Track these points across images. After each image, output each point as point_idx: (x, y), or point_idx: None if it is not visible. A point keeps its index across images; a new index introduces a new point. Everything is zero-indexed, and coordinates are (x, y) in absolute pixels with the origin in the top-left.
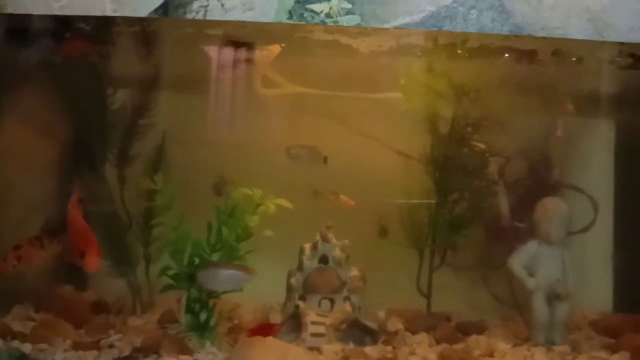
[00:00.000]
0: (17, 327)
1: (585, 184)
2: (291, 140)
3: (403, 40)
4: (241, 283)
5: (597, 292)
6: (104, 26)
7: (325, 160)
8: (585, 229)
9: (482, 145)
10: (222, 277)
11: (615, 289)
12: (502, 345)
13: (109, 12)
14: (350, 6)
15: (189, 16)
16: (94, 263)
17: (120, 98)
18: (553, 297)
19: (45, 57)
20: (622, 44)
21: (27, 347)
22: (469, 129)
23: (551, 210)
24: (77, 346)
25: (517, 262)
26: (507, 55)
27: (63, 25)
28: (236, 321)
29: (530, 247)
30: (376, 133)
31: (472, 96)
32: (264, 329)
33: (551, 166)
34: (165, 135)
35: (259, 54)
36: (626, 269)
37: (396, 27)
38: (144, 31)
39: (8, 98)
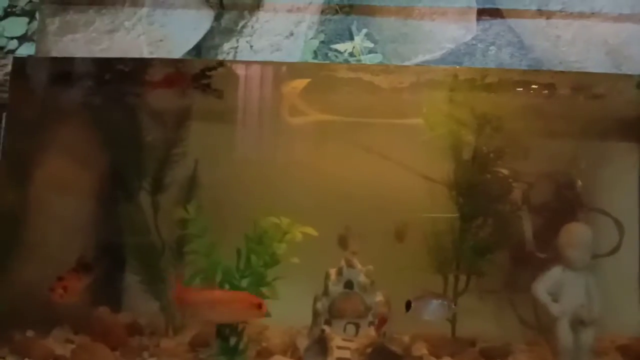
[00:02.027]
0: (58, 349)
1: (611, 208)
2: (322, 167)
3: (424, 77)
4: (448, 312)
5: (625, 316)
6: (142, 67)
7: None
8: (611, 252)
9: (505, 171)
10: (433, 307)
11: None
12: None
13: (145, 54)
14: (372, 45)
15: (220, 57)
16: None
17: (155, 130)
18: (578, 323)
19: (85, 96)
20: None
21: None
22: (492, 155)
23: (575, 235)
24: None
25: (542, 288)
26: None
27: (103, 67)
28: (264, 344)
29: (555, 273)
30: (401, 159)
31: (494, 124)
32: None
33: (576, 190)
34: (197, 164)
35: (286, 88)
36: None
37: (417, 64)
38: (179, 71)
39: (52, 134)
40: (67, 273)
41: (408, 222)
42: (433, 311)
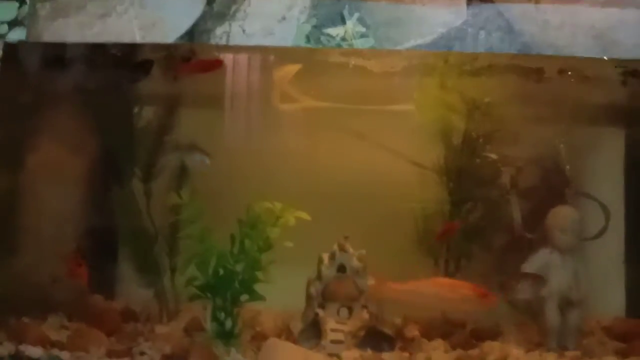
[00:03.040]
0: (53, 335)
1: (597, 192)
2: (314, 153)
3: (415, 61)
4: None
5: (611, 297)
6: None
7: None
8: (597, 236)
9: (494, 156)
10: None
11: (628, 294)
12: (516, 351)
13: (138, 39)
14: (364, 29)
15: (213, 41)
16: None
17: (147, 116)
18: (565, 304)
19: (78, 81)
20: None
21: (65, 355)
22: (481, 140)
23: (562, 218)
24: (111, 354)
25: (530, 269)
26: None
27: (95, 52)
28: (258, 328)
29: (542, 255)
30: (392, 145)
31: (483, 110)
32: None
33: (564, 174)
34: None
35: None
36: (638, 275)
37: (408, 49)
38: (170, 56)
39: (44, 119)
40: (73, 257)
41: (384, 204)
42: None
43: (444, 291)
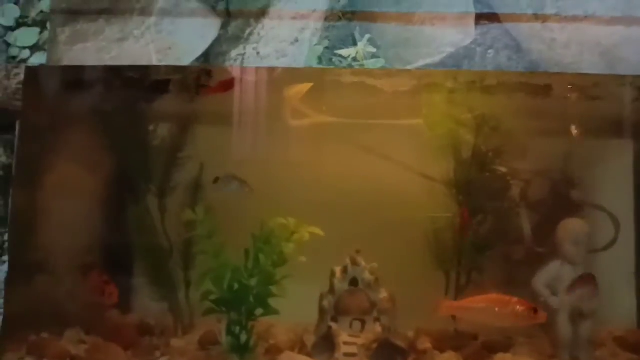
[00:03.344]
0: (72, 350)
1: (607, 204)
2: (324, 167)
3: (425, 80)
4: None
5: (622, 309)
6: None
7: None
8: (607, 247)
9: (503, 169)
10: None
11: (639, 305)
12: None
13: (154, 62)
14: (375, 50)
15: (228, 64)
16: None
17: (161, 134)
18: (576, 315)
19: (95, 102)
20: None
21: None
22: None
23: (572, 231)
24: None
25: (540, 282)
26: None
27: (112, 75)
28: (272, 342)
29: (553, 267)
30: (403, 159)
31: (492, 124)
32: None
33: (573, 187)
34: (203, 167)
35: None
36: None
37: (418, 68)
38: (185, 78)
39: (64, 140)
40: (99, 275)
41: (395, 218)
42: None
43: (497, 307)
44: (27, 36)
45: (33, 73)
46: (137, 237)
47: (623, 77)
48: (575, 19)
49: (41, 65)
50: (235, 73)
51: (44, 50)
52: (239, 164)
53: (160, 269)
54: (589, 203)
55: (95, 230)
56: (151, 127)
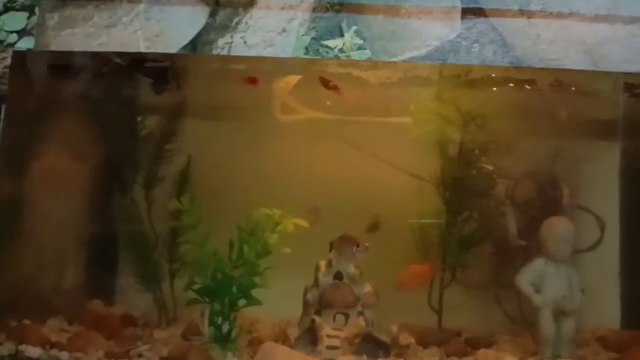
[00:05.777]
0: (53, 337)
1: (592, 205)
2: (312, 162)
3: (410, 73)
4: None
5: (606, 309)
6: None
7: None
8: (592, 248)
9: (489, 167)
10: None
11: (623, 306)
12: (510, 359)
13: (142, 49)
14: (361, 42)
15: (215, 52)
16: None
17: (150, 125)
18: (560, 313)
19: (83, 89)
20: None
21: (64, 356)
22: (477, 151)
23: (556, 229)
24: (109, 355)
25: (524, 279)
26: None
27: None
28: (255, 334)
29: (537, 265)
30: (389, 156)
31: (478, 121)
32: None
33: (559, 187)
34: (190, 159)
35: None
36: (633, 287)
37: (404, 61)
38: (174, 66)
39: (50, 126)
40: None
41: (381, 214)
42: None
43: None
44: (15, 20)
45: (20, 57)
46: (122, 227)
47: (606, 73)
48: (560, 15)
49: (29, 50)
50: (222, 62)
51: (32, 35)
52: (225, 156)
53: (145, 260)
54: (575, 203)
55: (80, 219)
56: (139, 117)
